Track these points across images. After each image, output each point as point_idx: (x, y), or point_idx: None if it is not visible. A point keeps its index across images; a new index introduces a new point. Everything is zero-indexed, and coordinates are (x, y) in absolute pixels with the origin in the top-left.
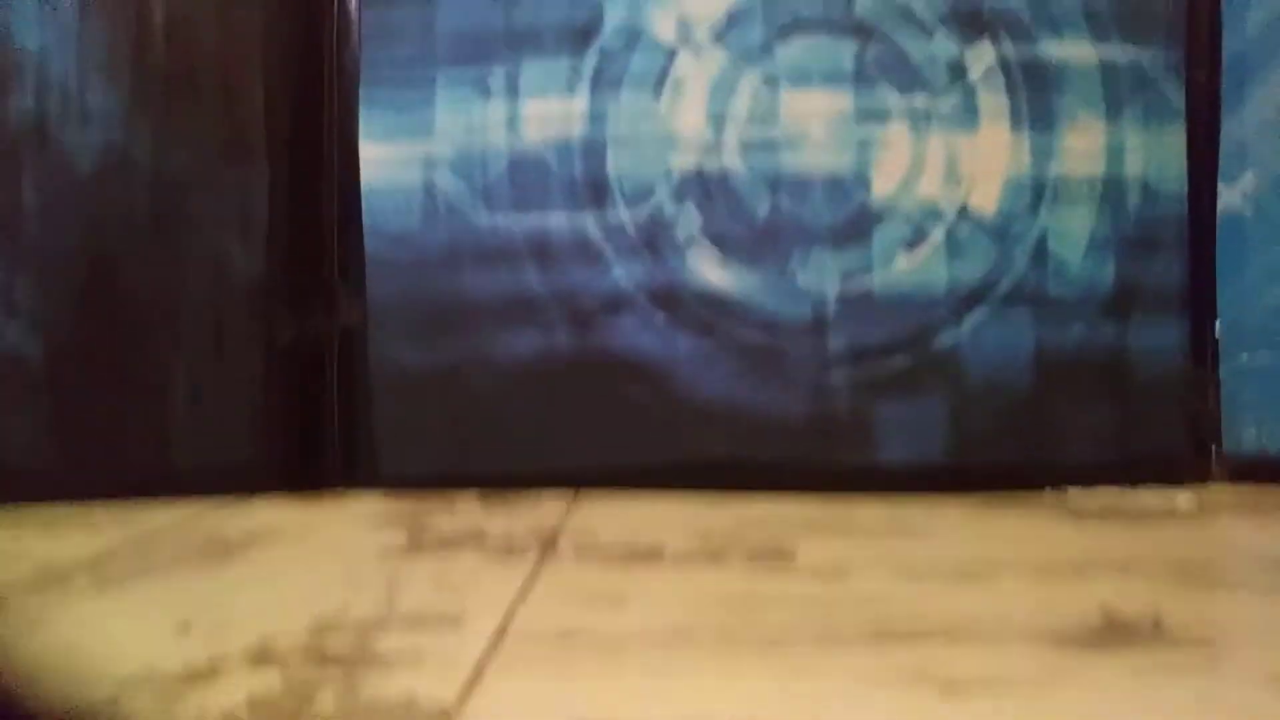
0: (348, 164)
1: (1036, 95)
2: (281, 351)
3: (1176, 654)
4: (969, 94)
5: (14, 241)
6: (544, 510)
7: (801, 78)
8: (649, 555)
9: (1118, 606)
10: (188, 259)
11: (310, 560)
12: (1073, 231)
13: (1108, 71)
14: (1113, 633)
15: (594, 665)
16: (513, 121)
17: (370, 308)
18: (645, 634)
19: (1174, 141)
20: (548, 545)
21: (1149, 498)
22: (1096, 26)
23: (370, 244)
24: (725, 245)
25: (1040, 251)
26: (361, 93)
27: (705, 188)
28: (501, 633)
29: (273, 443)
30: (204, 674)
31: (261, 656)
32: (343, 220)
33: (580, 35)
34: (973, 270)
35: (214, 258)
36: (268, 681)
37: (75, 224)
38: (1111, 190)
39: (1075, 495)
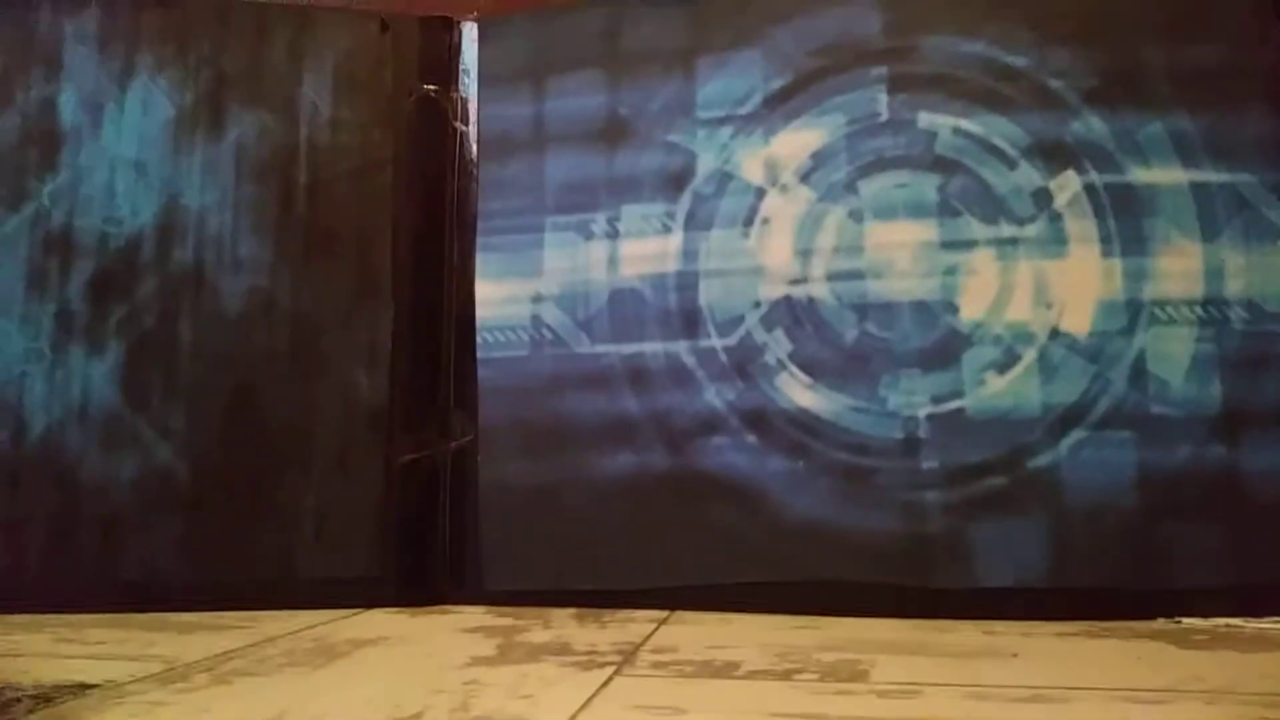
0: (465, 302)
1: (1126, 220)
2: (399, 472)
3: None
4: (1056, 220)
5: (170, 373)
6: (633, 626)
7: (886, 211)
8: (722, 671)
9: None
10: (319, 389)
11: (403, 666)
12: (1173, 351)
13: (1200, 195)
14: None
15: None
16: (613, 260)
17: (481, 429)
18: None
19: (1278, 261)
20: (626, 659)
21: (1270, 628)
22: (1185, 153)
23: (483, 372)
24: (814, 370)
25: (1139, 372)
26: (478, 239)
27: (794, 315)
28: None
29: (388, 558)
30: None
31: None
32: (459, 351)
33: (675, 181)
34: (1068, 391)
35: (343, 388)
36: None
37: (223, 358)
38: (1213, 311)
39: (1190, 623)
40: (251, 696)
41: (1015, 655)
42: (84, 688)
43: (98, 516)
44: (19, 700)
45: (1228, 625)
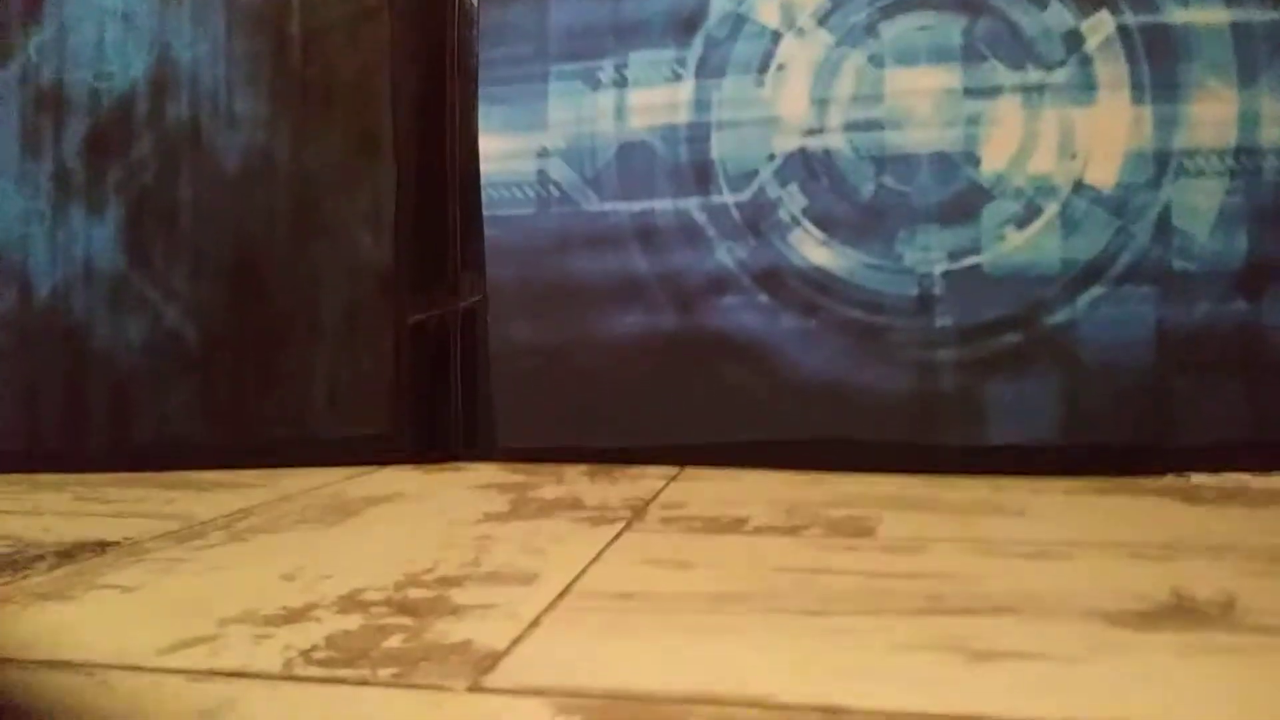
0: (468, 157)
1: (1160, 64)
2: (409, 332)
3: (1236, 638)
4: (1086, 65)
5: (172, 233)
6: (644, 483)
7: (907, 56)
8: (729, 526)
9: (1193, 588)
10: (323, 248)
11: (417, 523)
12: (1200, 204)
13: (1241, 35)
14: (1177, 614)
15: (639, 622)
16: (620, 111)
17: (489, 290)
18: (697, 597)
19: None
20: (636, 514)
21: None
22: None
23: (489, 231)
24: (829, 225)
25: (1164, 226)
26: (480, 89)
27: (809, 169)
28: (567, 591)
29: (401, 416)
30: (295, 616)
31: (349, 604)
32: (464, 209)
33: (686, 24)
34: (1089, 246)
35: (347, 246)
36: (348, 625)
37: (224, 217)
38: (1245, 161)
39: (1199, 479)
40: (267, 553)
41: (1021, 512)
42: (104, 545)
43: (109, 378)
44: (42, 557)
45: (1237, 481)
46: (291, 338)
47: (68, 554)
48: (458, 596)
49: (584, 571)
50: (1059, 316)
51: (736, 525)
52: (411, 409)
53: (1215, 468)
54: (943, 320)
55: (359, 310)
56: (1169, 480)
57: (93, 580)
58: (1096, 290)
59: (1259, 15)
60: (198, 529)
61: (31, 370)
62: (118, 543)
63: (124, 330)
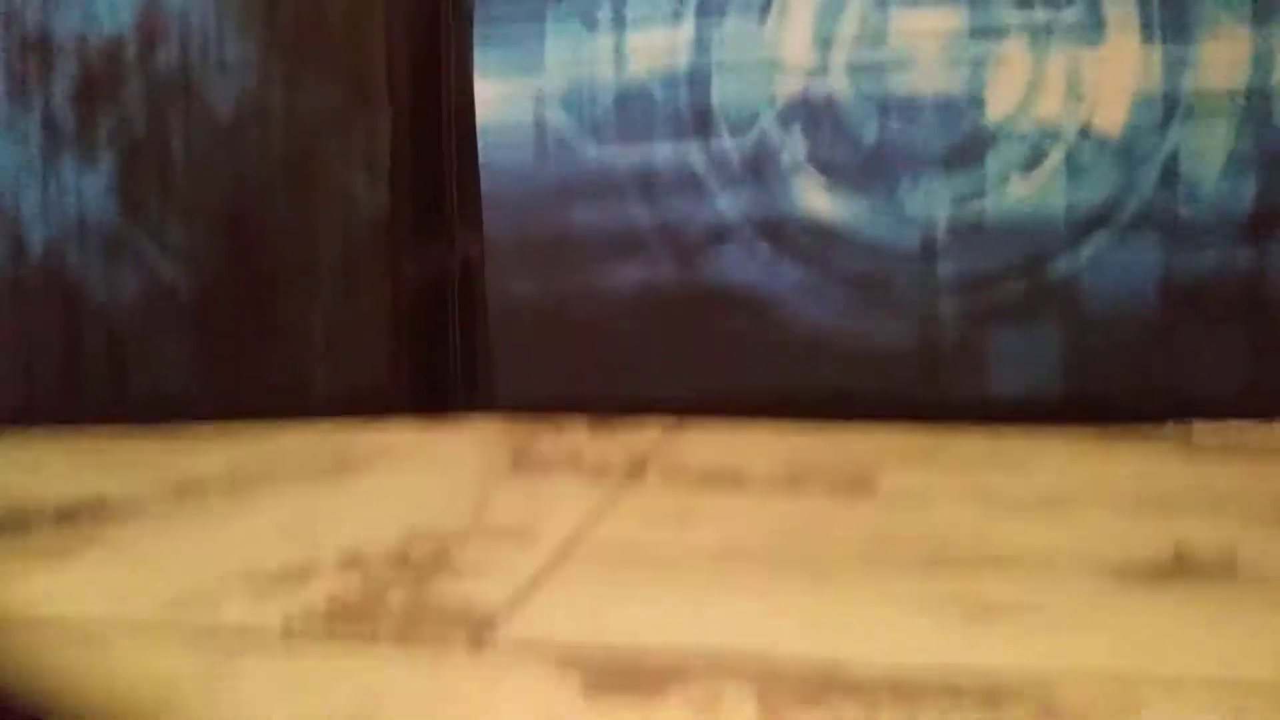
0: (464, 103)
1: (1171, 3)
2: (406, 283)
3: (1237, 592)
4: (1094, 4)
5: (164, 185)
6: (643, 436)
7: None
8: (730, 480)
9: (1194, 543)
10: (318, 198)
11: (418, 477)
12: (1208, 149)
13: None
14: (1178, 569)
15: (640, 579)
16: (619, 53)
17: (487, 241)
18: (699, 553)
19: None
20: (636, 468)
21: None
22: None
23: (486, 181)
24: (831, 172)
25: (1170, 172)
26: (476, 31)
27: (811, 113)
28: (568, 547)
29: (399, 367)
30: (296, 573)
31: (350, 560)
32: (460, 158)
33: None
34: (1094, 193)
35: (342, 196)
36: (349, 582)
37: (217, 167)
38: (1255, 103)
39: (1200, 429)
40: (265, 509)
41: (1023, 465)
42: (103, 503)
43: (105, 333)
44: (42, 517)
45: (1237, 432)
46: (286, 288)
47: (67, 514)
48: (458, 554)
49: (584, 528)
50: (1062, 266)
51: (736, 479)
52: (409, 359)
53: (1218, 417)
54: (945, 270)
55: (354, 260)
56: (1170, 430)
57: (93, 539)
58: (1101, 238)
59: None
60: (196, 484)
61: (25, 326)
62: (117, 500)
63: (119, 283)
